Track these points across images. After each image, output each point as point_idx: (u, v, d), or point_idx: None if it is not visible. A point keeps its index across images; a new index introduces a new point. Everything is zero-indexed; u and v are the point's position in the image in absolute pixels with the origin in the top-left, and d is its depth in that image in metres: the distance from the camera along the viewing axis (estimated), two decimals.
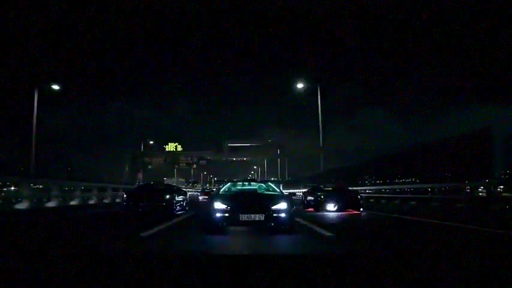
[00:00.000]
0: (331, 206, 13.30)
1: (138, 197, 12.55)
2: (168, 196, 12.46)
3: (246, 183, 9.40)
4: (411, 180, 18.53)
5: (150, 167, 72.17)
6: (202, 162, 76.48)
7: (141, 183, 17.36)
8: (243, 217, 6.56)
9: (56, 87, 25.60)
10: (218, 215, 6.72)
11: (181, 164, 76.57)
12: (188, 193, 17.49)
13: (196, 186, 78.56)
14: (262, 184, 9.24)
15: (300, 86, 29.20)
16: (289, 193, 25.70)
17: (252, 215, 6.57)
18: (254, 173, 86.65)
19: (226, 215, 6.68)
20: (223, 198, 7.15)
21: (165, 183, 19.15)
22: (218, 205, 6.81)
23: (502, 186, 18.45)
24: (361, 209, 13.31)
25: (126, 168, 54.16)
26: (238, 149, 74.94)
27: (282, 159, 66.60)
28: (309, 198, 15.44)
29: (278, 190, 8.54)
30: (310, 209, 14.88)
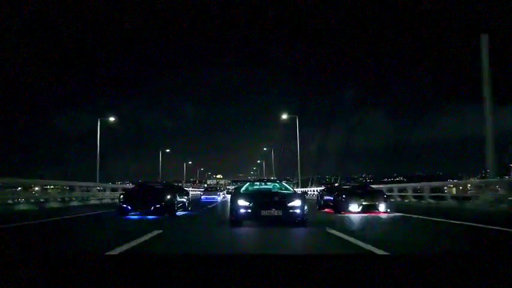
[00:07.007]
0: (354, 207, 11.66)
1: (135, 198, 11.04)
2: (169, 196, 10.95)
3: (263, 183, 10.04)
4: (402, 178, 18.14)
5: None
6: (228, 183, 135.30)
7: (140, 182, 15.86)
8: (264, 212, 7.56)
9: (112, 118, 32.24)
10: (242, 211, 7.70)
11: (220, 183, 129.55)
12: (190, 193, 16.13)
13: (199, 186, 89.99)
14: (277, 184, 9.86)
15: (284, 116, 38.73)
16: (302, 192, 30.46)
17: (272, 211, 7.56)
18: (255, 171, 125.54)
19: (249, 211, 7.67)
20: (246, 196, 8.09)
21: (165, 182, 17.62)
22: (242, 202, 7.79)
23: (469, 185, 17.31)
24: (388, 210, 11.81)
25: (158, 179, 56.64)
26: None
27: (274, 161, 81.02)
28: (327, 198, 13.84)
29: (291, 189, 9.15)
30: (327, 210, 13.40)
